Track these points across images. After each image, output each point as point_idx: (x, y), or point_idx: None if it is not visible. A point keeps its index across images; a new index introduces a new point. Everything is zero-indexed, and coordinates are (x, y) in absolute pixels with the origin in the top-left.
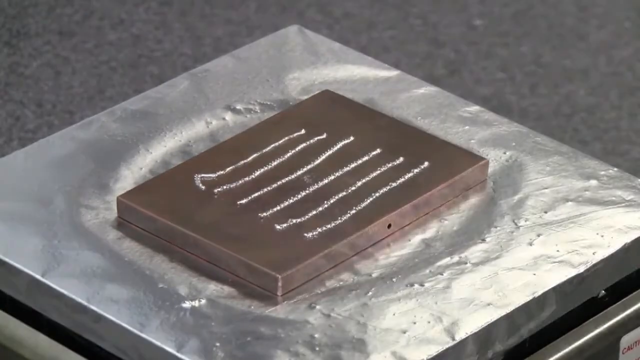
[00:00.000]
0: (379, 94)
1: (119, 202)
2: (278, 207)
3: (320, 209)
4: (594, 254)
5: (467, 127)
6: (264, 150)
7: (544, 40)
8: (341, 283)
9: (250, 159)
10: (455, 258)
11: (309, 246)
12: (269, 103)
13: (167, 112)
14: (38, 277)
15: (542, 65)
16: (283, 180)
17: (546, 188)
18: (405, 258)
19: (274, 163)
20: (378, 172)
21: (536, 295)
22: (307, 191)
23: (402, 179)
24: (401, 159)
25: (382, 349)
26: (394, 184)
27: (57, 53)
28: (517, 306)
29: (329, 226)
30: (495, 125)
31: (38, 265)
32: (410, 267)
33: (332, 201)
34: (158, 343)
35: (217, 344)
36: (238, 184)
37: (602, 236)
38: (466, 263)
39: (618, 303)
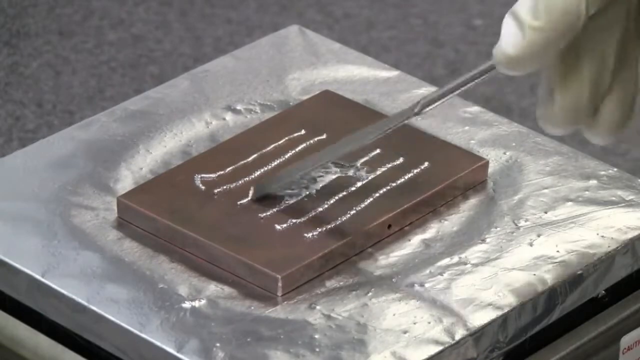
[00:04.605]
0: (379, 94)
1: (119, 202)
2: (278, 207)
3: (320, 209)
4: (594, 254)
5: (467, 128)
6: (264, 150)
7: None
8: (341, 283)
9: (250, 159)
10: (455, 258)
11: (309, 246)
12: (269, 103)
13: (167, 112)
14: (38, 277)
15: None
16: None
17: (546, 188)
18: (405, 258)
19: (274, 163)
20: (378, 172)
21: (536, 295)
22: (307, 191)
23: (402, 179)
24: (401, 159)
25: (382, 349)
26: (394, 184)
27: (57, 53)
28: (517, 306)
29: (329, 226)
30: (495, 125)
31: (38, 265)
32: (410, 267)
33: (332, 201)
34: (158, 343)
35: (217, 344)
36: (238, 184)
37: (602, 236)
38: (466, 263)
39: (618, 303)
